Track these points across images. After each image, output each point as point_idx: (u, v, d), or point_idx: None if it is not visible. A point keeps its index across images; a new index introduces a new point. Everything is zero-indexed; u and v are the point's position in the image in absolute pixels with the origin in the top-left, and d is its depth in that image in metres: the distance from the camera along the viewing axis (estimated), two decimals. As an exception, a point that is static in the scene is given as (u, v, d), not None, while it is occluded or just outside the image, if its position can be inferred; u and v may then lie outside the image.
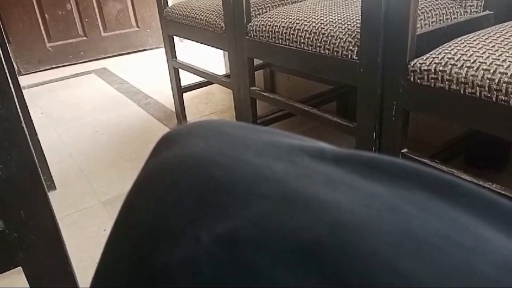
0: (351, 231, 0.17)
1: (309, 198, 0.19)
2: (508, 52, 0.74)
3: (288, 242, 0.17)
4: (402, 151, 0.89)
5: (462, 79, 0.74)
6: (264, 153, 0.23)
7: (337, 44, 0.95)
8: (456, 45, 0.81)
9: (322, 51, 0.98)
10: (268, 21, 1.13)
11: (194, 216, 0.20)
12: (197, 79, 1.66)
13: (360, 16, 0.88)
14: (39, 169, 0.56)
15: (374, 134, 0.92)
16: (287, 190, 0.20)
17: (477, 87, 0.73)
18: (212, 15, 1.34)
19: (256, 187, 0.20)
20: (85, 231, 1.19)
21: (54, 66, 2.86)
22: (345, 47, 0.93)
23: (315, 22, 1.02)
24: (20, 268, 0.61)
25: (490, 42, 0.79)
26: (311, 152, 0.23)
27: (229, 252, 0.17)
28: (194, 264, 0.17)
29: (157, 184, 0.23)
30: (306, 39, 1.01)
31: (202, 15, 1.37)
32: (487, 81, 0.71)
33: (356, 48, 0.91)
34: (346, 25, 0.96)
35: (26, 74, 2.78)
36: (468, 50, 0.77)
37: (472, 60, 0.75)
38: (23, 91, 1.31)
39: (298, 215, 0.18)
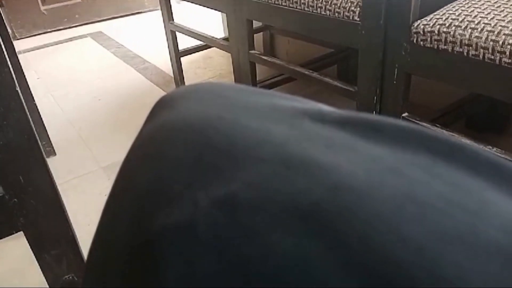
0: (352, 194, 0.17)
1: (309, 161, 0.19)
2: (514, 13, 0.72)
3: (287, 205, 0.17)
4: (403, 115, 0.89)
5: (466, 41, 0.73)
6: (263, 116, 0.23)
7: (338, 5, 0.92)
8: (460, 5, 0.78)
9: (323, 12, 0.96)
10: (268, -19, 1.10)
11: (191, 180, 0.19)
12: (195, 42, 1.63)
13: (362, -24, 0.85)
14: (36, 134, 0.55)
15: (375, 98, 0.91)
16: (287, 154, 0.19)
17: (481, 49, 0.71)
18: (210, -25, 1.30)
19: (255, 151, 0.20)
20: (86, 196, 1.20)
21: (49, 30, 2.80)
22: (347, 8, 0.91)
23: (315, -18, 0.99)
24: (21, 232, 0.61)
25: (496, 2, 0.77)
26: (312, 115, 0.23)
27: (227, 215, 0.17)
28: (192, 227, 0.17)
29: (154, 148, 0.23)
30: (307, 0, 0.99)
31: (199, -24, 1.33)
32: (491, 43, 0.70)
33: (358, 9, 0.89)
34: (347, -15, 0.93)
35: (21, 38, 2.73)
36: (473, 10, 0.75)
37: (476, 21, 0.73)
38: (19, 56, 1.29)
39: (298, 178, 0.18)
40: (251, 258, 0.16)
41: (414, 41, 0.80)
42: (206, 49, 1.73)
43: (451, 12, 0.77)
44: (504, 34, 0.69)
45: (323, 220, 0.16)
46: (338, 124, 0.22)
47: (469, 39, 0.72)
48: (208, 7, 1.37)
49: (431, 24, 0.77)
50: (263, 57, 1.23)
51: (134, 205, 0.21)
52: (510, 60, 0.68)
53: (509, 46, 0.68)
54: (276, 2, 1.07)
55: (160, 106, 0.27)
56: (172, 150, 0.22)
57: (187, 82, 1.79)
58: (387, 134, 0.21)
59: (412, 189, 0.17)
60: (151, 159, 0.22)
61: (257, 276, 0.15)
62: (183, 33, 1.56)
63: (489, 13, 0.74)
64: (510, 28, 0.69)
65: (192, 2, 1.44)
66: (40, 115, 1.33)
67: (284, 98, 0.26)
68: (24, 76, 1.28)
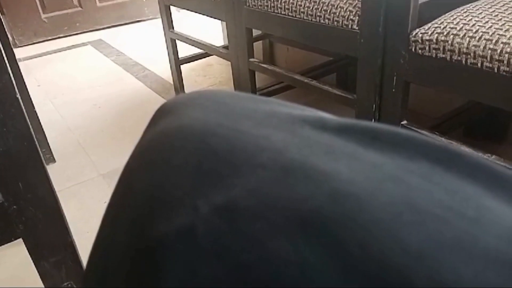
0: (351, 201, 0.17)
1: (309, 168, 0.19)
2: (511, 22, 0.72)
3: (287, 212, 0.17)
4: (402, 123, 0.89)
5: (464, 49, 0.73)
6: (263, 123, 0.23)
7: (337, 14, 0.93)
8: (458, 14, 0.79)
9: (322, 21, 0.97)
10: (267, -10, 1.11)
11: (192, 186, 0.19)
12: (195, 50, 1.63)
13: (361, -15, 0.86)
14: (35, 141, 0.55)
15: (373, 106, 0.92)
16: (286, 160, 0.19)
17: (479, 58, 0.72)
18: (210, -16, 1.30)
19: (255, 158, 0.20)
20: (85, 204, 1.20)
21: (49, 37, 2.81)
22: (346, 17, 0.91)
23: (315, -9, 0.99)
24: (20, 239, 0.61)
25: (493, 11, 0.77)
26: (312, 122, 0.23)
27: (227, 221, 0.17)
28: (192, 234, 0.17)
29: (155, 154, 0.23)
30: (306, 8, 0.99)
31: (200, -16, 1.34)
32: (489, 51, 0.70)
33: (357, 17, 0.90)
34: (346, -6, 0.94)
35: (22, 46, 2.74)
36: (471, 19, 0.76)
37: (474, 30, 0.73)
38: (19, 63, 1.29)
39: (298, 185, 0.18)
40: (251, 265, 0.16)
41: (413, 49, 0.81)
42: (205, 57, 1.74)
43: (449, 21, 0.78)
44: (502, 42, 0.69)
45: (323, 227, 0.16)
46: (338, 132, 0.22)
47: (467, 48, 0.73)
48: (207, 16, 1.38)
49: (430, 33, 0.78)
50: (263, 65, 1.23)
51: (134, 211, 0.21)
52: (508, 69, 0.68)
53: (507, 55, 0.68)
54: (276, 11, 1.08)
55: (161, 113, 0.27)
56: (172, 157, 0.22)
57: (187, 89, 1.80)
58: (387, 142, 0.21)
59: (411, 196, 0.17)
60: (152, 166, 0.22)
61: (257, 283, 0.15)
62: (183, 41, 1.56)
63: (487, 22, 0.74)
64: (508, 36, 0.69)
65: (192, 11, 1.44)
66: (40, 122, 1.33)
67: (284, 105, 0.26)
68: (25, 83, 1.28)
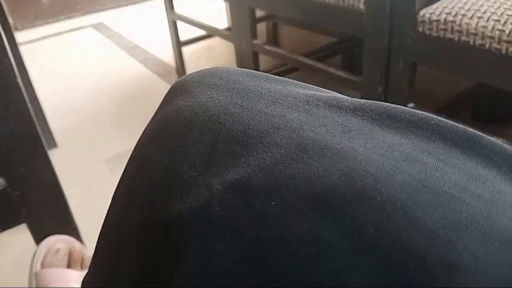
0: (367, 180, 0.17)
1: (325, 146, 0.19)
2: (521, 1, 0.71)
3: (302, 190, 0.17)
4: (409, 105, 0.88)
5: (472, 30, 0.72)
6: (278, 102, 0.23)
7: (342, -6, 0.91)
8: (467, -7, 0.77)
9: (327, 0, 0.95)
10: (270, -30, 1.08)
11: (206, 166, 0.20)
12: (198, 33, 1.61)
13: (367, -37, 0.84)
14: (37, 125, 0.55)
15: (379, 88, 0.91)
16: (301, 139, 0.19)
17: (487, 39, 0.70)
18: (212, -36, 1.28)
19: (269, 137, 0.20)
20: (87, 189, 1.20)
21: (50, 20, 2.79)
22: (351, -3, 0.89)
23: (319, -30, 0.97)
24: (24, 224, 0.61)
25: (503, -10, 0.76)
26: (327, 101, 0.23)
27: (241, 199, 0.17)
28: (207, 212, 0.18)
29: (169, 133, 0.23)
30: (310, -11, 0.97)
31: (201, -35, 1.32)
32: (497, 32, 0.69)
33: (363, -3, 0.88)
34: (352, -26, 0.92)
35: (23, 29, 2.72)
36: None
37: (482, 10, 0.72)
38: (21, 47, 1.28)
39: (313, 163, 0.18)
40: (265, 242, 0.16)
41: (420, 30, 0.79)
42: (207, 37, 1.72)
43: (457, 0, 0.76)
44: (510, 23, 0.68)
45: (338, 205, 0.16)
46: (353, 111, 0.22)
47: (475, 28, 0.71)
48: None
49: (437, 13, 0.76)
50: (266, 47, 1.22)
51: (149, 188, 0.21)
52: (517, 50, 0.67)
53: (516, 35, 0.67)
54: (279, -9, 1.06)
55: (175, 92, 0.27)
56: (186, 136, 0.22)
57: (189, 72, 1.78)
58: (403, 122, 0.21)
59: (427, 176, 0.17)
60: (166, 144, 0.22)
61: (270, 261, 0.15)
62: (185, 22, 1.54)
63: (495, 2, 0.73)
64: (518, 16, 0.68)
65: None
66: (41, 107, 1.32)
67: (298, 85, 0.26)
68: (25, 67, 1.27)
